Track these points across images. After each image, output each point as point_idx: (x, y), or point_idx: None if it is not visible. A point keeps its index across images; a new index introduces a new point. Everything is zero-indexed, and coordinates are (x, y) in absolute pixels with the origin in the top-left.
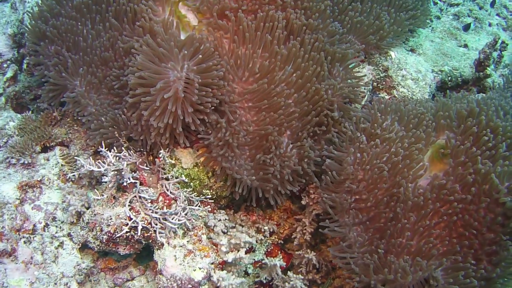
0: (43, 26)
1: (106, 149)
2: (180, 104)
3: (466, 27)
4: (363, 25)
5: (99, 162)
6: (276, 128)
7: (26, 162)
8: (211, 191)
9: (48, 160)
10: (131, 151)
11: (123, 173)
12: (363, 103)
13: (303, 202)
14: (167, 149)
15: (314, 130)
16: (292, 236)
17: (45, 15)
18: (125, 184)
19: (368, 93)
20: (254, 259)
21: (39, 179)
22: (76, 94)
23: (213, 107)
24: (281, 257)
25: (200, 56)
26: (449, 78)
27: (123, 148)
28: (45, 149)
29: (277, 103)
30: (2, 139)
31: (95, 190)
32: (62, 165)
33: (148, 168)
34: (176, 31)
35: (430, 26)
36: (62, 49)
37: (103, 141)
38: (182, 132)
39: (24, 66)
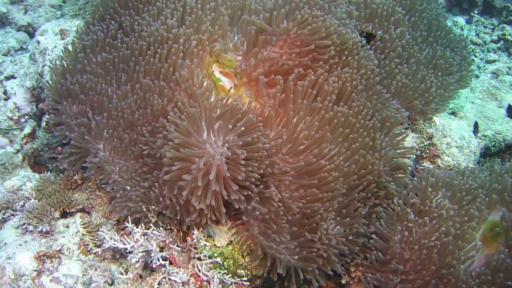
0: (66, 83)
1: (133, 225)
2: (222, 182)
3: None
4: (408, 89)
5: (124, 238)
6: (322, 205)
7: (44, 230)
8: (246, 271)
9: (67, 227)
10: (160, 228)
11: (152, 254)
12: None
13: (342, 281)
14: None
15: (361, 205)
16: None
17: (69, 70)
18: (153, 266)
19: (412, 162)
20: None
21: (58, 249)
22: (100, 160)
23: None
24: None
25: (243, 128)
26: (493, 143)
27: (151, 224)
28: (64, 214)
29: (325, 179)
30: (18, 201)
31: (120, 264)
32: (83, 234)
33: (178, 248)
34: (219, 102)
35: (469, 86)
36: (86, 108)
37: (129, 216)
38: (224, 213)
39: (43, 124)
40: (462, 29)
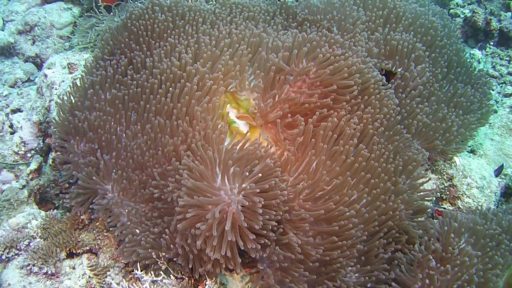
0: (74, 121)
1: (142, 271)
2: (238, 231)
3: None
4: (429, 128)
5: (133, 286)
6: (342, 253)
7: (49, 272)
8: None
9: (74, 268)
10: (171, 276)
11: None
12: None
13: None
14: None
15: (381, 251)
16: None
17: (77, 106)
18: None
19: (431, 204)
20: None
21: None
22: (108, 201)
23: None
24: None
25: (260, 175)
26: None
27: (161, 271)
28: (71, 255)
29: (345, 226)
30: (23, 241)
31: None
32: (89, 276)
33: None
34: (234, 147)
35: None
36: (94, 147)
37: (138, 262)
38: (239, 262)
39: (50, 161)
40: (479, 62)
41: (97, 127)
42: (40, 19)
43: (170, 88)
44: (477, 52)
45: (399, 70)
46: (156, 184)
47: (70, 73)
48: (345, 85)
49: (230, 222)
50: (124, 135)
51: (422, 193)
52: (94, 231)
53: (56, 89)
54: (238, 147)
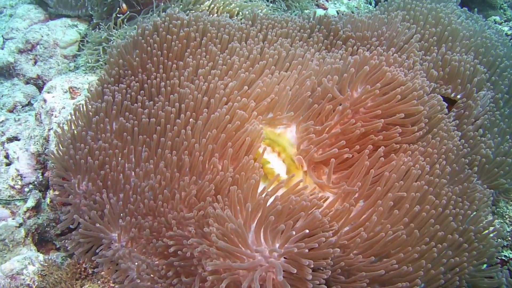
0: (75, 156)
1: None
2: None
3: None
4: (493, 165)
5: None
6: None
7: None
8: None
9: None
10: None
11: None
12: None
13: None
14: None
15: None
16: None
17: (79, 138)
18: None
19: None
20: None
21: None
22: (114, 253)
23: None
24: None
25: (307, 231)
26: None
27: None
28: None
29: None
30: None
31: None
32: None
33: None
34: (274, 197)
35: None
36: (99, 187)
37: None
38: None
39: (48, 201)
40: None
41: (102, 164)
42: (42, 36)
43: (191, 120)
44: None
45: (459, 97)
46: (172, 235)
47: (72, 98)
48: (414, 113)
49: None
50: (133, 173)
51: (489, 242)
52: (99, 281)
53: (56, 116)
54: (277, 195)
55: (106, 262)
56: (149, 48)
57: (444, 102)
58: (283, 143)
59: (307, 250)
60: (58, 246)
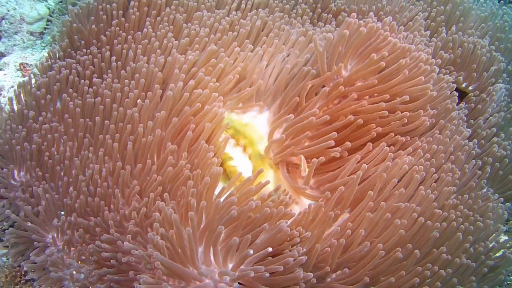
0: (11, 141)
1: None
2: None
3: None
4: (507, 170)
5: None
6: None
7: None
8: None
9: None
10: None
11: None
12: None
13: None
14: None
15: None
16: None
17: (20, 118)
18: None
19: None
20: None
21: None
22: (46, 259)
23: None
24: None
25: (270, 249)
26: None
27: None
28: None
29: None
30: None
31: None
32: None
33: None
34: (228, 203)
35: None
36: (38, 178)
37: None
38: None
39: None
40: None
41: (40, 150)
42: (9, 11)
43: (139, 101)
44: None
45: (471, 88)
46: (107, 239)
47: (23, 76)
48: (420, 96)
49: None
50: (75, 163)
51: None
52: (42, 287)
53: (4, 96)
54: (233, 201)
55: (37, 269)
56: (105, 16)
57: (454, 85)
58: (251, 134)
59: (267, 274)
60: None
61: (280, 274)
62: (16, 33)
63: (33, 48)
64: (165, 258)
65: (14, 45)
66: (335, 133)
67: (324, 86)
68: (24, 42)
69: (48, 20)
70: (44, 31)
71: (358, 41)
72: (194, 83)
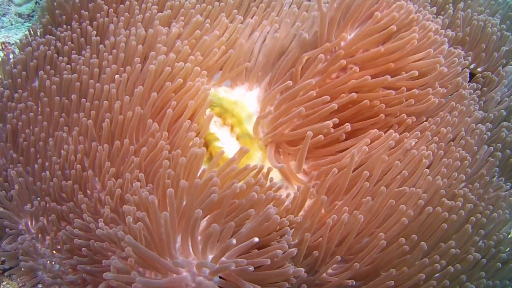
0: None
1: None
2: None
3: None
4: None
5: None
6: None
7: None
8: None
9: None
10: None
11: None
12: None
13: None
14: None
15: None
16: None
17: None
18: None
19: None
20: None
21: None
22: (17, 246)
23: None
24: None
25: (257, 239)
26: None
27: None
28: None
29: None
30: None
31: None
32: None
33: None
34: (211, 185)
35: None
36: (13, 160)
37: None
38: None
39: None
40: None
41: (15, 130)
42: None
43: (116, 76)
44: None
45: (479, 69)
46: (82, 225)
47: (5, 56)
48: (428, 72)
49: None
50: (49, 144)
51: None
52: (19, 279)
53: None
54: (215, 183)
55: (10, 258)
56: None
57: (465, 61)
58: (239, 113)
59: (251, 268)
60: None
61: (267, 268)
62: (4, 15)
63: (17, 28)
64: (137, 244)
65: (2, 27)
66: (335, 104)
67: None
68: (12, 25)
69: (36, 2)
70: (32, 12)
71: (360, 7)
72: (175, 57)
